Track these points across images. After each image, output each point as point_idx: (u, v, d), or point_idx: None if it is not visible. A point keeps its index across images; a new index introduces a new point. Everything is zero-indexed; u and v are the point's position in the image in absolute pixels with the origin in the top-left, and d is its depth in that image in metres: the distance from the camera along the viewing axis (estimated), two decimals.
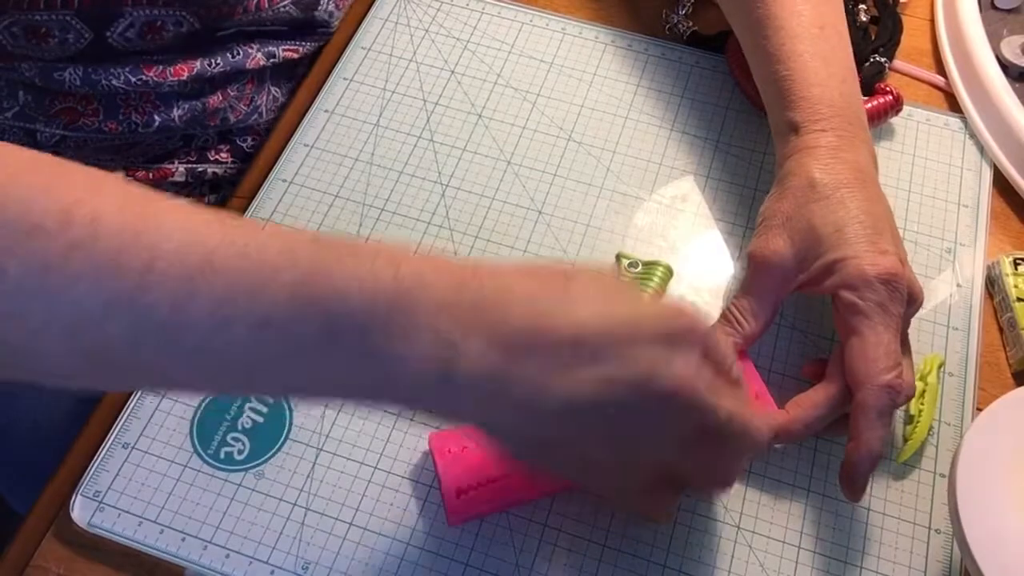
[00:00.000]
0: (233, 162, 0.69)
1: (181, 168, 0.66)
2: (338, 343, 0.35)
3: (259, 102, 0.67)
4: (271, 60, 0.66)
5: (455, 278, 0.36)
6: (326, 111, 0.65)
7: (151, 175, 0.65)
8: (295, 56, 0.68)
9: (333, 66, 0.68)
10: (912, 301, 0.49)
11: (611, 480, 0.44)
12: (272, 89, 0.69)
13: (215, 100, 0.64)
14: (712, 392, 0.39)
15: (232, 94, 0.65)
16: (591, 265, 0.39)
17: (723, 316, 0.53)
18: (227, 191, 0.70)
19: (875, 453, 0.47)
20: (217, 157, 0.68)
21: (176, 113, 0.63)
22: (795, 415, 0.49)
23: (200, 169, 0.67)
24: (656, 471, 0.43)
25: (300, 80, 0.71)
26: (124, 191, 0.35)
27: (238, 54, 0.64)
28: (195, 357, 0.35)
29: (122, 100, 0.61)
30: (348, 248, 0.36)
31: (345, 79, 0.67)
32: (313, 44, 0.69)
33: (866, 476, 0.48)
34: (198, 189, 0.69)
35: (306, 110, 0.66)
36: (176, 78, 0.61)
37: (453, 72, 0.68)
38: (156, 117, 0.62)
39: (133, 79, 0.59)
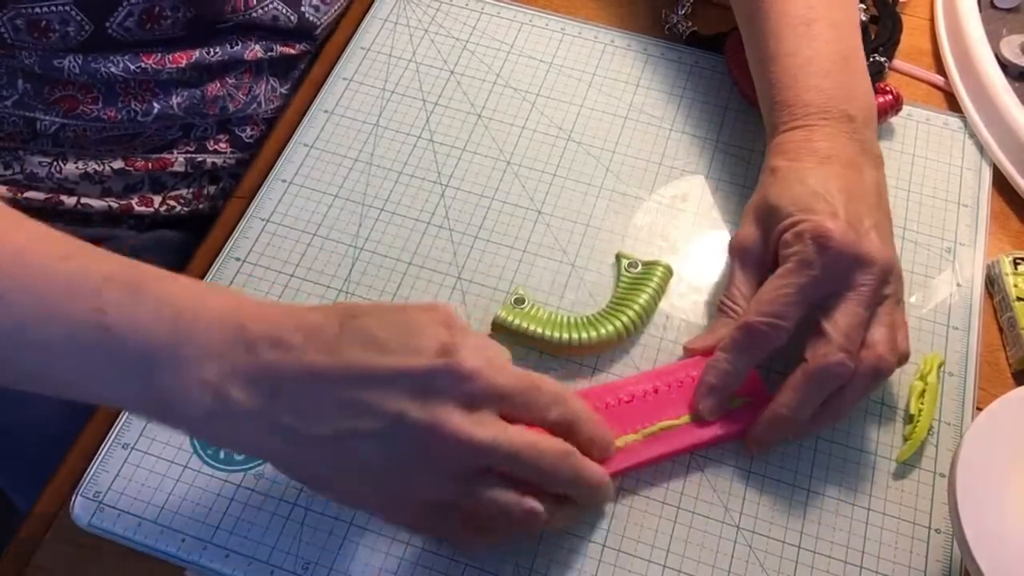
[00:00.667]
0: (233, 152, 0.69)
1: (181, 158, 0.66)
2: (113, 376, 0.40)
3: (258, 92, 0.67)
4: (269, 53, 0.66)
5: (229, 324, 0.40)
6: (326, 111, 0.65)
7: (151, 165, 0.66)
8: (292, 52, 0.68)
9: (333, 66, 0.68)
10: (866, 265, 0.48)
11: (395, 515, 0.44)
12: (271, 80, 0.69)
13: (213, 88, 0.64)
14: (483, 428, 0.40)
15: (230, 83, 0.65)
16: (385, 306, 0.43)
17: (719, 310, 0.54)
18: (227, 182, 0.70)
19: (784, 422, 0.50)
20: (216, 147, 0.68)
21: (175, 101, 0.63)
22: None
23: (200, 159, 0.67)
24: (441, 508, 0.43)
25: (299, 75, 0.71)
26: None
27: (236, 44, 0.64)
28: None
29: (121, 88, 0.61)
30: (134, 288, 0.40)
31: (345, 79, 0.67)
32: (309, 43, 0.69)
33: (769, 439, 0.51)
34: (198, 180, 0.69)
35: (306, 110, 0.66)
36: (175, 65, 0.61)
37: (453, 72, 0.68)
38: (155, 105, 0.62)
39: (132, 67, 0.59)
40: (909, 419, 0.53)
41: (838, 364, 0.48)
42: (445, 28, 0.70)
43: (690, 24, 0.70)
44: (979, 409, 0.52)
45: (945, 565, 0.50)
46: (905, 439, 0.53)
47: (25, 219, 0.42)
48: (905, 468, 0.52)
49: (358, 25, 0.70)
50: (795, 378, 0.49)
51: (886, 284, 0.49)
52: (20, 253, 0.39)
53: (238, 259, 0.59)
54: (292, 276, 0.58)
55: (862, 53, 0.57)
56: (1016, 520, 0.44)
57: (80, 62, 0.58)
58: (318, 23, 0.68)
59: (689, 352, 0.54)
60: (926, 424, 0.53)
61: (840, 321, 0.48)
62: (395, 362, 0.40)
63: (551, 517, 0.44)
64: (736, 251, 0.54)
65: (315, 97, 0.66)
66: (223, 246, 0.59)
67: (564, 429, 0.44)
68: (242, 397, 0.39)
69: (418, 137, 0.64)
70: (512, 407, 0.42)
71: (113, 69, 0.59)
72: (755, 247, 0.53)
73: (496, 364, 0.42)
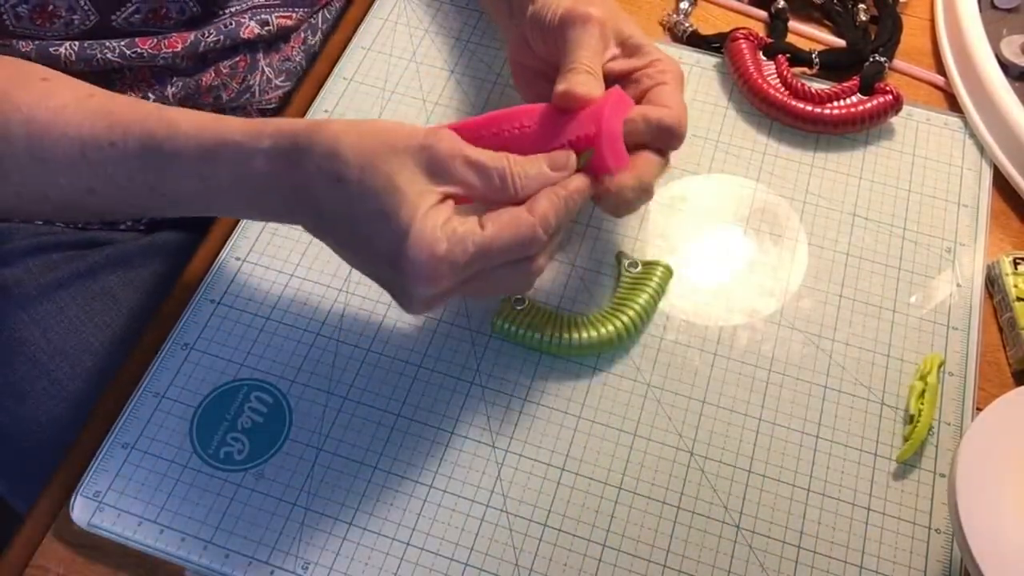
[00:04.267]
0: None
1: None
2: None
3: (251, 82, 0.68)
4: (265, 28, 0.66)
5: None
6: (326, 111, 0.65)
7: None
8: (289, 23, 0.68)
9: (333, 65, 0.68)
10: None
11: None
12: (266, 70, 0.69)
13: (208, 77, 0.65)
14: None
15: (225, 72, 0.66)
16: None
17: (575, 71, 0.51)
18: None
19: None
20: None
21: (170, 91, 0.63)
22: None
23: None
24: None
25: (294, 67, 0.71)
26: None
27: (231, 24, 0.64)
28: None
29: (117, 77, 0.62)
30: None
31: (345, 79, 0.67)
32: (305, 10, 0.70)
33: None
34: None
35: (306, 110, 0.66)
36: (170, 50, 0.61)
37: (453, 72, 0.68)
38: (150, 95, 0.63)
39: (128, 52, 0.60)
40: (909, 419, 0.53)
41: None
42: (445, 28, 0.70)
43: (690, 24, 0.70)
44: (979, 409, 0.52)
45: (945, 565, 0.50)
46: (905, 439, 0.53)
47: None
48: (905, 468, 0.52)
49: (358, 25, 0.70)
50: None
51: None
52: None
53: (238, 259, 0.59)
54: (292, 276, 0.58)
55: None
56: (1016, 520, 0.44)
57: (76, 49, 0.59)
58: None
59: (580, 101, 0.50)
60: (926, 424, 0.53)
61: None
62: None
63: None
64: (585, 20, 0.53)
65: (315, 96, 0.66)
66: (223, 246, 0.59)
67: None
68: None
69: None
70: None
71: (109, 55, 0.59)
72: (602, 23, 0.53)
73: (457, 234, 0.44)
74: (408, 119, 0.65)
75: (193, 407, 0.53)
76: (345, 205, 0.44)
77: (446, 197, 0.45)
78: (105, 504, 0.50)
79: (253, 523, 0.50)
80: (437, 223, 0.43)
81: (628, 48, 0.54)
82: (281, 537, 0.49)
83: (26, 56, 0.59)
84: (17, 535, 0.50)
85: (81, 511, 0.50)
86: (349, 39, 0.70)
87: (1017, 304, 0.57)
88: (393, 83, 0.67)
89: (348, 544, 0.49)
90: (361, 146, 0.44)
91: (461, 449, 0.52)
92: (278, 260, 0.59)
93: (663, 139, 0.51)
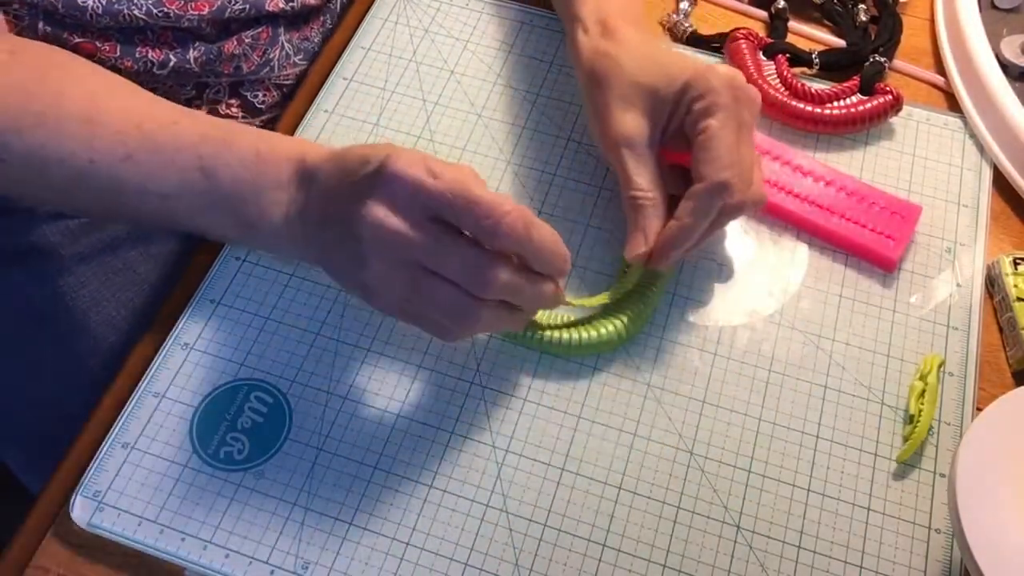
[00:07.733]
0: (244, 117, 0.69)
1: None
2: (215, 212, 0.52)
3: (272, 56, 0.68)
4: (289, 4, 0.67)
5: (294, 158, 0.51)
6: (326, 111, 0.65)
7: None
8: (312, 2, 0.69)
9: (333, 66, 0.68)
10: (753, 102, 0.52)
11: (380, 303, 0.49)
12: (285, 45, 0.69)
13: (230, 46, 0.65)
14: (397, 218, 0.45)
15: (247, 41, 0.66)
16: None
17: (633, 206, 0.53)
18: None
19: (685, 235, 0.51)
20: (228, 112, 0.68)
21: (191, 55, 0.63)
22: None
23: None
24: (405, 298, 0.48)
25: (312, 47, 0.71)
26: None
27: None
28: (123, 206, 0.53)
29: (140, 37, 0.61)
30: (225, 139, 0.52)
31: (345, 79, 0.67)
32: None
33: (670, 252, 0.52)
34: None
35: (305, 110, 0.66)
36: (196, 12, 0.61)
37: (453, 72, 0.68)
38: (172, 57, 0.62)
39: (155, 10, 0.60)
40: (909, 419, 0.53)
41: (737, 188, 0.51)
42: (445, 28, 0.70)
43: (690, 24, 0.70)
44: (979, 409, 0.52)
45: (945, 565, 0.50)
46: (905, 439, 0.53)
47: (137, 90, 0.54)
48: (905, 468, 0.52)
49: (358, 25, 0.70)
50: (691, 200, 0.51)
51: None
52: (140, 122, 0.51)
53: (238, 259, 0.59)
54: (292, 276, 0.58)
55: None
56: (1016, 520, 0.44)
57: (104, 3, 0.59)
58: None
59: (638, 259, 0.53)
60: (926, 424, 0.53)
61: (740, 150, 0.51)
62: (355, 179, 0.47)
63: (495, 317, 0.49)
64: (624, 144, 0.53)
65: (315, 97, 0.66)
66: (223, 246, 0.59)
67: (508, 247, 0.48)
68: (295, 216, 0.51)
69: (418, 137, 0.64)
70: (446, 215, 0.46)
71: (136, 12, 0.59)
72: (643, 132, 0.53)
73: (432, 170, 0.45)
74: (408, 119, 0.65)
75: (193, 407, 0.53)
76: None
77: None
78: (105, 504, 0.50)
79: (253, 523, 0.50)
80: (415, 155, 0.46)
81: (680, 92, 0.52)
82: (281, 537, 0.50)
83: (53, 7, 0.58)
84: (17, 535, 0.50)
85: (81, 511, 0.50)
86: (349, 39, 0.70)
87: (1017, 304, 0.57)
88: (393, 83, 0.67)
89: (348, 544, 0.49)
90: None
91: (461, 449, 0.52)
92: (278, 260, 0.59)
93: (727, 213, 0.53)
